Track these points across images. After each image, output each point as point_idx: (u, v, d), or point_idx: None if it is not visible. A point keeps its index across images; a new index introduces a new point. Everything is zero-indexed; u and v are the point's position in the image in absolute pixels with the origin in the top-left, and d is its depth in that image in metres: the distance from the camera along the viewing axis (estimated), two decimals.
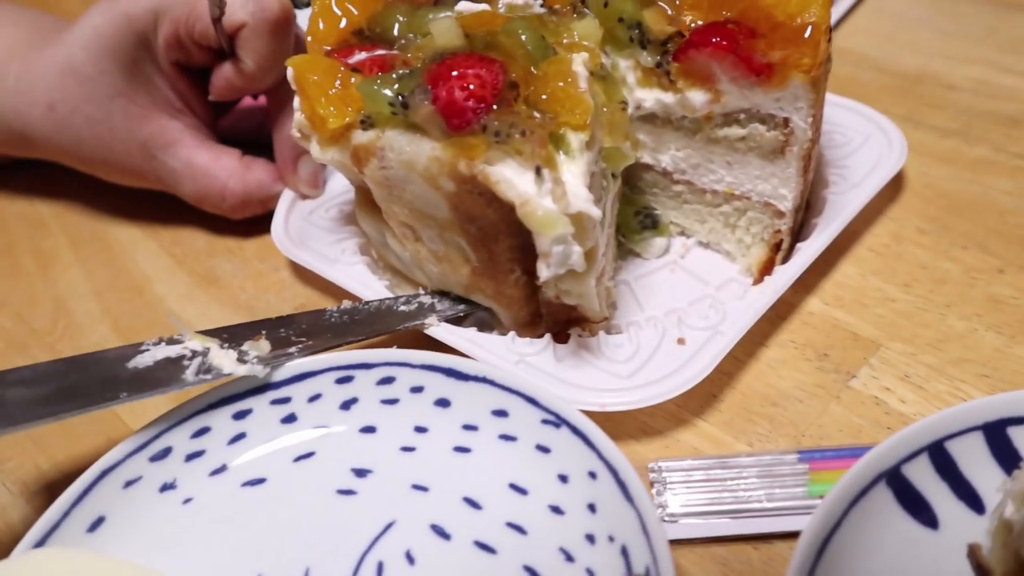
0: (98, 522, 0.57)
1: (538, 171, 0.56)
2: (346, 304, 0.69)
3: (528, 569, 0.54)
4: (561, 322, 0.67)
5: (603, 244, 0.64)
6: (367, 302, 0.70)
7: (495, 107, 0.57)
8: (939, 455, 0.53)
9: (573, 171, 0.57)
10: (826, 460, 0.59)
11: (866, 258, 0.74)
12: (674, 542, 0.57)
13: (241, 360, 0.62)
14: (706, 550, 0.57)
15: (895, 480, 0.52)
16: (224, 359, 0.62)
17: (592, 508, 0.54)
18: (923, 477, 0.53)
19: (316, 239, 0.78)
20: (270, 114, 0.84)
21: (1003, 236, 0.74)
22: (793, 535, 0.57)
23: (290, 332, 0.66)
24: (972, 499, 0.53)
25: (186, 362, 0.62)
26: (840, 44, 1.00)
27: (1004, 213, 0.76)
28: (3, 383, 0.59)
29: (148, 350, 0.62)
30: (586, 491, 0.55)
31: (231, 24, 0.75)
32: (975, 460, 0.53)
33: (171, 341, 0.63)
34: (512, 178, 0.57)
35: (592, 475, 0.55)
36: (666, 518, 0.58)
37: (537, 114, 0.58)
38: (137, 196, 0.89)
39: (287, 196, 0.83)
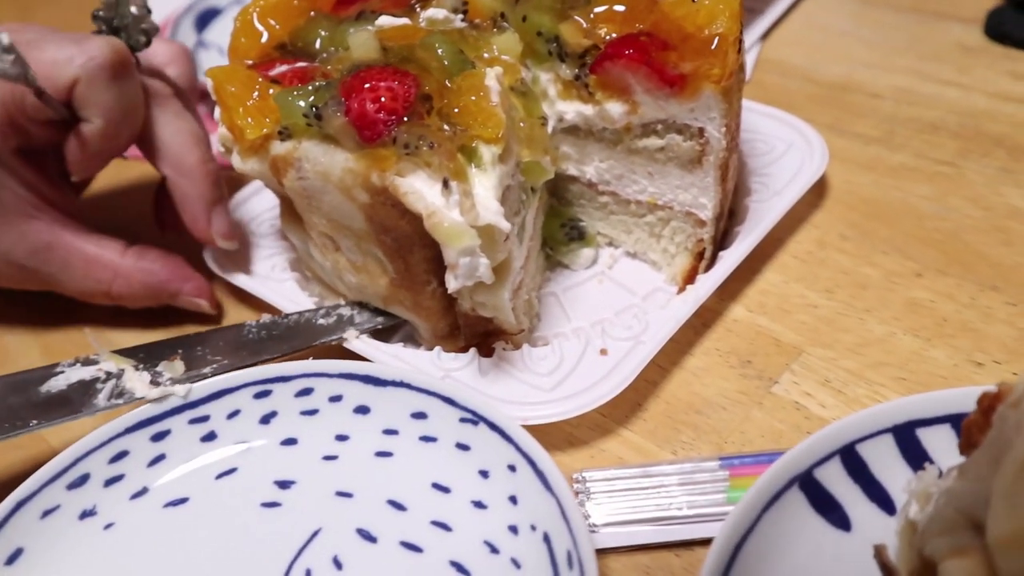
0: (16, 554, 0.56)
1: (446, 183, 0.57)
2: (265, 318, 0.70)
3: (455, 564, 0.55)
4: (479, 334, 0.68)
5: (520, 257, 0.64)
6: (286, 315, 0.70)
7: (406, 119, 0.58)
8: (851, 458, 0.54)
9: (484, 183, 0.58)
10: (745, 466, 0.60)
11: (790, 265, 0.75)
12: (598, 551, 0.57)
13: (155, 382, 0.62)
14: (630, 558, 0.57)
15: (808, 483, 0.53)
16: (137, 382, 0.62)
17: (513, 500, 0.56)
18: (835, 480, 0.54)
19: (246, 255, 0.78)
20: (169, 179, 0.74)
21: (922, 241, 0.75)
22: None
23: (206, 351, 0.66)
24: (883, 500, 0.54)
25: (99, 385, 0.62)
26: (768, 55, 1.01)
27: (923, 218, 0.77)
28: None
29: (63, 372, 0.62)
30: (507, 484, 0.56)
31: (63, 83, 0.66)
32: (886, 462, 0.55)
33: (87, 362, 0.63)
34: (421, 189, 0.57)
35: (511, 468, 0.56)
36: (590, 528, 0.58)
37: (448, 127, 0.58)
38: None
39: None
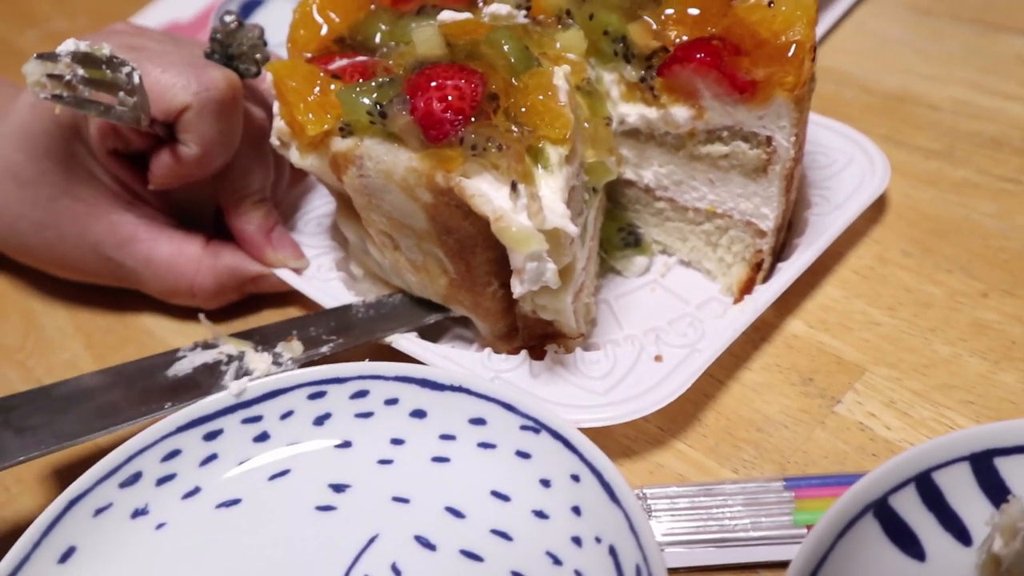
0: (69, 552, 0.55)
1: (514, 186, 0.56)
2: (371, 298, 0.70)
3: (516, 574, 0.53)
4: (537, 336, 0.66)
5: (583, 259, 0.63)
6: (390, 294, 0.71)
7: (473, 119, 0.57)
8: (926, 486, 0.53)
9: (551, 185, 0.57)
10: (812, 488, 0.58)
11: (850, 280, 0.73)
12: None
13: (276, 362, 0.64)
14: None
15: (882, 511, 0.52)
16: (259, 362, 0.64)
17: (577, 511, 0.54)
18: (910, 508, 0.52)
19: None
20: (224, 202, 0.76)
21: (987, 260, 0.73)
22: (778, 564, 0.56)
23: (320, 331, 0.67)
24: (959, 531, 0.52)
25: (223, 367, 0.64)
26: (822, 62, 0.99)
27: (987, 236, 0.75)
28: (49, 397, 0.62)
29: (186, 356, 0.65)
30: (570, 494, 0.55)
31: (174, 108, 0.67)
32: (962, 491, 0.53)
33: (206, 346, 0.66)
34: (488, 192, 0.56)
35: (575, 478, 0.54)
36: None
37: (516, 128, 0.57)
38: None
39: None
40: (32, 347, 0.77)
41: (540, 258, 0.56)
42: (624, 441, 0.64)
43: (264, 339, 0.66)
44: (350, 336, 0.67)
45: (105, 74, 0.62)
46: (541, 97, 0.58)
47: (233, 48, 0.72)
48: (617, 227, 0.76)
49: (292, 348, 0.65)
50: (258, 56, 0.73)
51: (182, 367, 0.64)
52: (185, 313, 0.78)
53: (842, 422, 0.63)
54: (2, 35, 1.25)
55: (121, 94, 0.63)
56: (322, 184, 0.72)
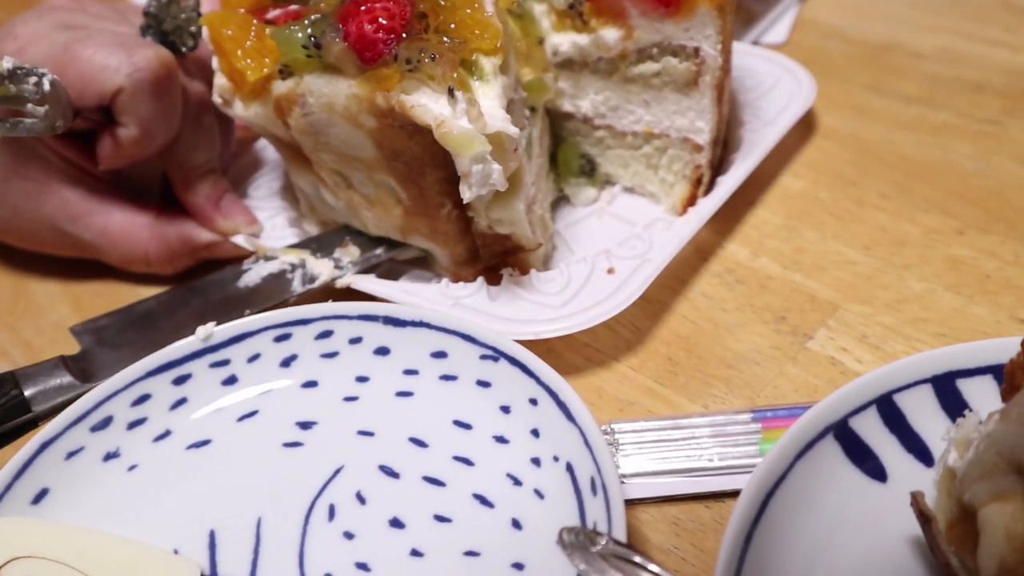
0: (42, 494, 0.56)
1: (451, 92, 0.57)
2: None
3: (478, 496, 0.54)
4: (498, 254, 0.68)
5: (531, 172, 0.65)
6: None
7: (405, 37, 0.58)
8: (887, 408, 0.53)
9: (488, 94, 0.58)
10: (779, 419, 0.58)
11: (827, 223, 0.73)
12: (628, 502, 0.56)
13: (338, 267, 0.68)
14: (659, 510, 0.56)
15: (843, 433, 0.52)
16: (322, 267, 0.68)
17: (536, 433, 0.56)
18: (871, 430, 0.52)
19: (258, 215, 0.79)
20: (172, 176, 0.76)
21: (964, 198, 0.73)
22: None
23: (365, 238, 0.70)
24: (921, 452, 0.53)
25: (289, 275, 0.68)
26: (807, 15, 0.99)
27: (965, 176, 0.75)
28: (132, 314, 0.68)
29: (251, 268, 0.69)
30: (528, 418, 0.56)
31: (107, 91, 0.66)
32: (924, 413, 0.53)
33: (267, 258, 0.69)
34: (427, 103, 0.57)
35: (533, 402, 0.56)
36: (620, 478, 0.57)
37: (447, 39, 0.58)
38: None
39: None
40: (22, 311, 0.79)
41: (484, 160, 0.57)
42: (596, 381, 0.64)
43: (320, 246, 0.70)
44: (387, 244, 0.70)
45: (8, 89, 0.61)
46: (469, 11, 0.60)
47: (167, 23, 0.72)
48: (579, 153, 0.77)
49: (350, 252, 0.69)
50: (193, 29, 0.72)
51: (250, 278, 0.69)
52: (173, 276, 0.79)
53: (813, 357, 0.63)
54: None
55: (30, 105, 0.62)
56: (269, 140, 0.74)
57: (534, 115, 0.68)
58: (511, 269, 0.67)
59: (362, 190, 0.66)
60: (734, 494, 0.56)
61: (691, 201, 0.73)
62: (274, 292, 0.68)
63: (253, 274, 0.69)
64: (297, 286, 0.67)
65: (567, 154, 0.77)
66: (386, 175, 0.64)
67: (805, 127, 0.83)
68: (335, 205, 0.70)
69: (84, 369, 0.64)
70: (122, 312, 0.69)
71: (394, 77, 0.57)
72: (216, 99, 0.67)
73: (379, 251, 0.69)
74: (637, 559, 0.45)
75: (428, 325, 0.60)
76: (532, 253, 0.67)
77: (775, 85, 0.81)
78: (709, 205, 0.69)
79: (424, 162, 0.61)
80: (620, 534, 0.47)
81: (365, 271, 0.69)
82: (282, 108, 0.62)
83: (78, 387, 0.62)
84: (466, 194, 0.58)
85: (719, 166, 0.75)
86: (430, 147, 0.58)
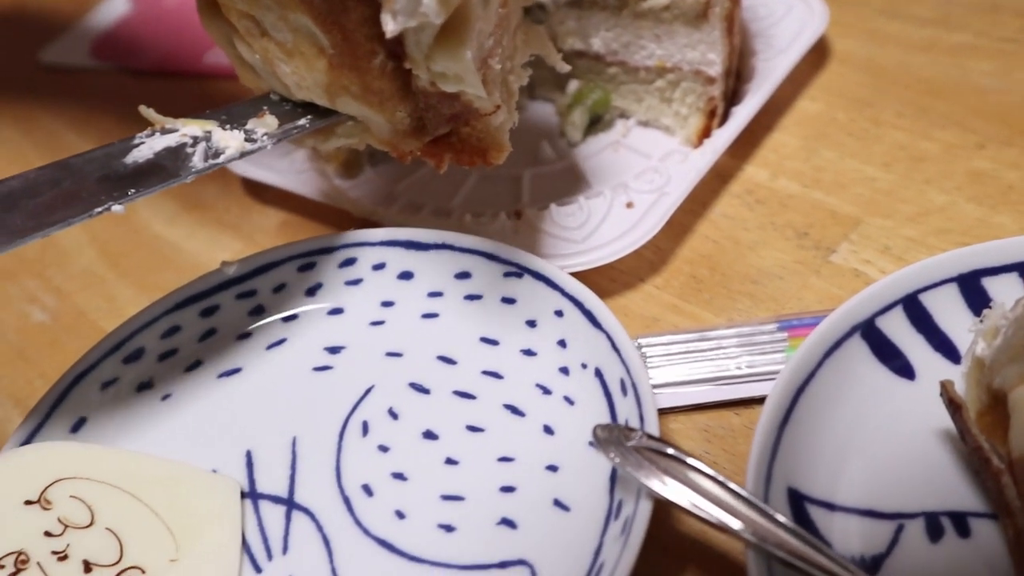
0: (80, 423, 0.57)
1: None
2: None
3: (508, 407, 0.55)
4: (446, 119, 0.57)
5: (488, 19, 0.54)
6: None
7: None
8: (913, 307, 0.53)
9: None
10: (804, 327, 0.59)
11: (845, 143, 0.73)
12: (657, 412, 0.57)
13: (249, 139, 0.57)
14: (689, 418, 0.57)
15: (869, 332, 0.52)
16: (231, 140, 0.57)
17: (563, 343, 0.56)
18: (898, 329, 0.53)
19: (267, 155, 0.76)
20: None
21: (984, 114, 0.73)
22: None
23: (289, 104, 0.60)
24: (948, 350, 0.53)
25: (189, 149, 0.56)
26: None
27: (985, 93, 0.75)
28: None
29: (144, 143, 0.56)
30: (555, 329, 0.57)
31: None
32: (950, 311, 0.53)
33: (165, 131, 0.57)
34: None
35: (559, 313, 0.57)
36: None
37: None
38: (117, 125, 0.89)
39: None
40: (50, 259, 0.80)
41: None
42: (622, 301, 0.65)
43: (231, 117, 0.58)
44: (318, 115, 0.59)
45: None
46: None
47: None
48: (611, 104, 0.77)
49: (266, 123, 0.58)
50: None
51: (141, 153, 0.56)
52: (195, 220, 0.80)
53: (837, 270, 0.64)
54: None
55: None
56: None
57: None
58: (470, 128, 0.58)
59: (278, 36, 0.56)
60: (763, 400, 0.56)
61: (706, 133, 0.73)
62: (167, 169, 0.55)
63: (145, 148, 0.56)
64: (197, 162, 0.55)
65: (599, 104, 0.77)
66: (301, 13, 0.53)
67: (819, 53, 0.82)
68: (251, 60, 0.60)
69: None
70: None
71: None
72: None
73: (302, 122, 0.58)
74: (670, 451, 0.45)
75: (451, 247, 0.60)
76: (489, 121, 0.58)
77: (787, 13, 0.80)
78: (724, 137, 0.70)
79: None
80: (653, 429, 0.47)
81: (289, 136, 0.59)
82: None
83: None
84: (389, 25, 0.47)
85: (733, 96, 0.75)
86: None
